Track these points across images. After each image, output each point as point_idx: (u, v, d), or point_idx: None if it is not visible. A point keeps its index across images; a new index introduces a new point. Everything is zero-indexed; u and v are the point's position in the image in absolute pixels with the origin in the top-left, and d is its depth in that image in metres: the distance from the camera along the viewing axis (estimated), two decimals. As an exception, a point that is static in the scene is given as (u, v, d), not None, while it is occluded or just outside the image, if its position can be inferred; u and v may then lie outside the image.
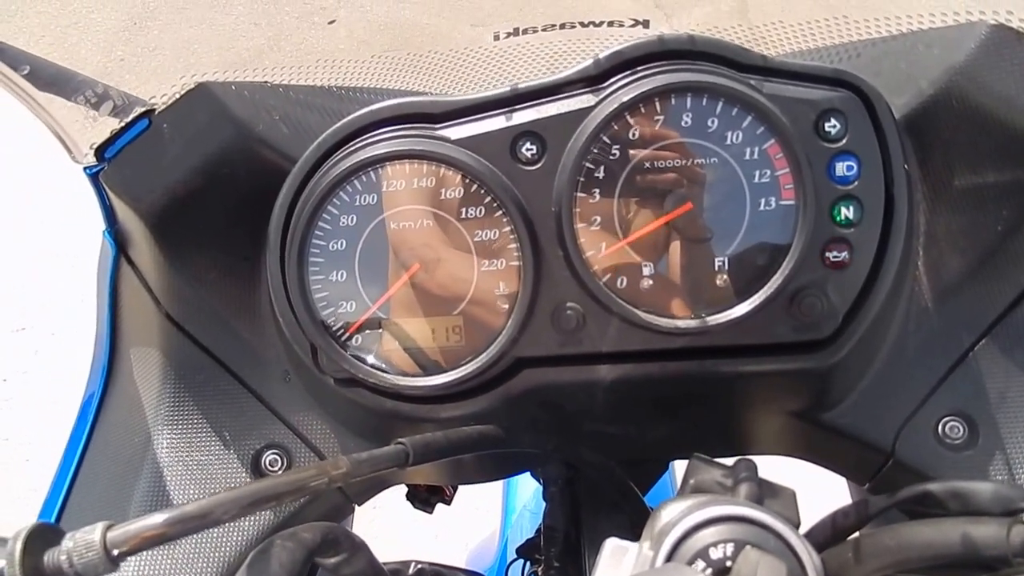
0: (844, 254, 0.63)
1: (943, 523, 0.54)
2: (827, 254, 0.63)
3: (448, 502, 1.07)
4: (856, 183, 0.63)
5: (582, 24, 0.82)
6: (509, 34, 0.80)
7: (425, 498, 1.05)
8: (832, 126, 0.63)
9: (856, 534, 0.57)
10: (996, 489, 0.52)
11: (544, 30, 0.80)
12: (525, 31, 0.81)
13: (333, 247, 0.67)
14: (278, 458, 0.74)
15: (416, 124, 0.68)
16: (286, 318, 0.67)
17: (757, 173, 0.63)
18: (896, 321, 0.70)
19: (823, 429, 0.71)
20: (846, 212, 0.63)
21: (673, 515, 0.50)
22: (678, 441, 0.77)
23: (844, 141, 0.63)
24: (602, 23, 0.80)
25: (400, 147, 0.65)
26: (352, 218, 0.67)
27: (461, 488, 1.05)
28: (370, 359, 0.67)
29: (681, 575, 0.43)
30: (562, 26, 0.82)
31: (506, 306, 0.65)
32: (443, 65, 0.84)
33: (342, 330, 0.68)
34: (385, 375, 0.68)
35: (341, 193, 0.67)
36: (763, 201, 0.63)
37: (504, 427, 0.68)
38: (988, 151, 0.65)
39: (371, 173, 0.66)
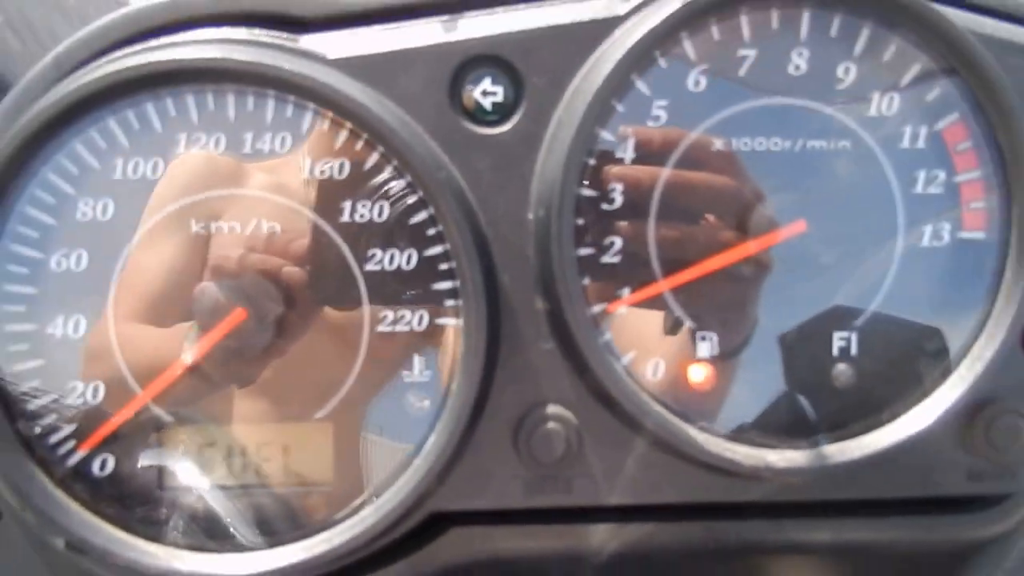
0: None
1: None
2: None
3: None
4: None
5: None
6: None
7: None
8: None
9: None
10: None
11: None
12: None
13: (60, 265, 0.35)
14: None
15: (264, 28, 0.36)
16: None
17: (922, 176, 0.36)
18: None
19: None
20: None
21: None
22: None
23: None
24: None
25: (222, 56, 0.30)
26: (104, 205, 0.35)
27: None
28: (125, 511, 0.36)
29: None
30: None
31: (424, 405, 0.35)
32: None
33: (69, 443, 0.35)
34: (152, 552, 0.33)
35: (79, 147, 0.35)
36: (929, 230, 0.34)
37: None
38: None
39: (151, 109, 0.31)
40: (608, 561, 0.39)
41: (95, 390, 0.35)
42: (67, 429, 0.35)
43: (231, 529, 0.35)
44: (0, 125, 0.37)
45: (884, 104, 0.35)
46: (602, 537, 0.38)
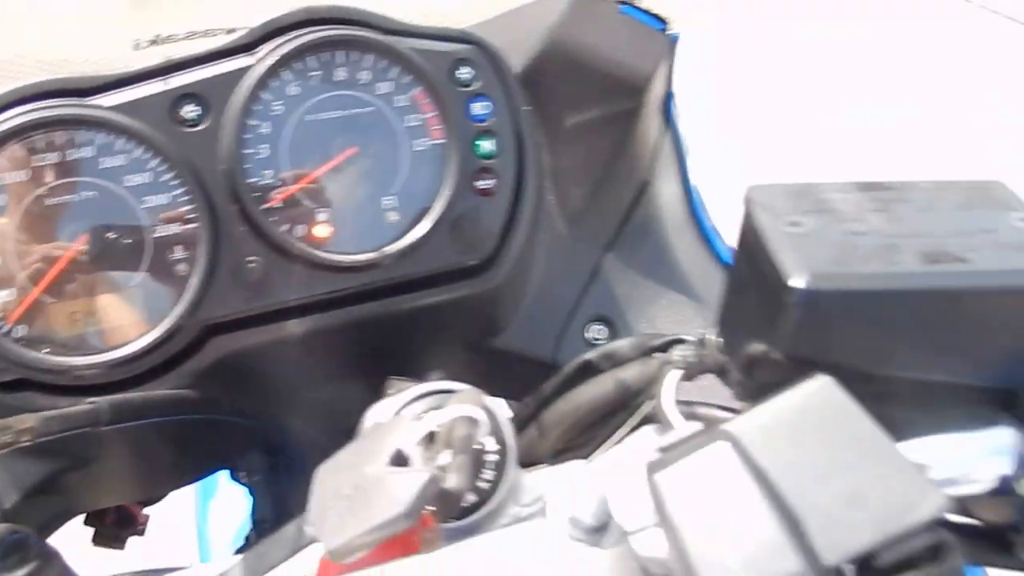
0: (491, 182, 0.74)
1: (601, 378, 0.64)
2: (476, 183, 0.73)
3: (141, 532, 0.99)
4: (492, 120, 0.74)
5: (227, 31, 0.84)
6: (152, 42, 0.81)
7: (113, 533, 0.97)
8: (464, 73, 0.73)
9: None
10: (633, 339, 0.64)
11: (187, 38, 0.81)
12: (167, 39, 0.82)
13: None
14: None
15: (62, 98, 0.66)
16: None
17: (408, 118, 0.70)
18: (541, 247, 0.82)
19: (494, 355, 0.79)
20: (487, 146, 0.74)
21: (382, 409, 0.55)
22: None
23: (476, 85, 0.73)
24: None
25: (49, 114, 0.63)
26: (3, 197, 0.64)
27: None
28: (39, 349, 0.63)
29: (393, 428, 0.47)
30: (206, 32, 0.83)
31: (186, 269, 0.65)
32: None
33: (1, 321, 0.63)
34: (61, 357, 0.64)
35: None
36: (417, 142, 0.71)
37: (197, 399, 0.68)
38: (586, 93, 0.80)
39: (16, 147, 0.63)
40: (300, 340, 0.69)
41: (10, 292, 0.63)
42: None
43: (90, 347, 0.64)
44: None
45: (385, 86, 0.70)
46: (293, 327, 0.68)
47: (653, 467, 0.40)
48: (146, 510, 1.01)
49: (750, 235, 0.43)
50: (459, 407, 0.47)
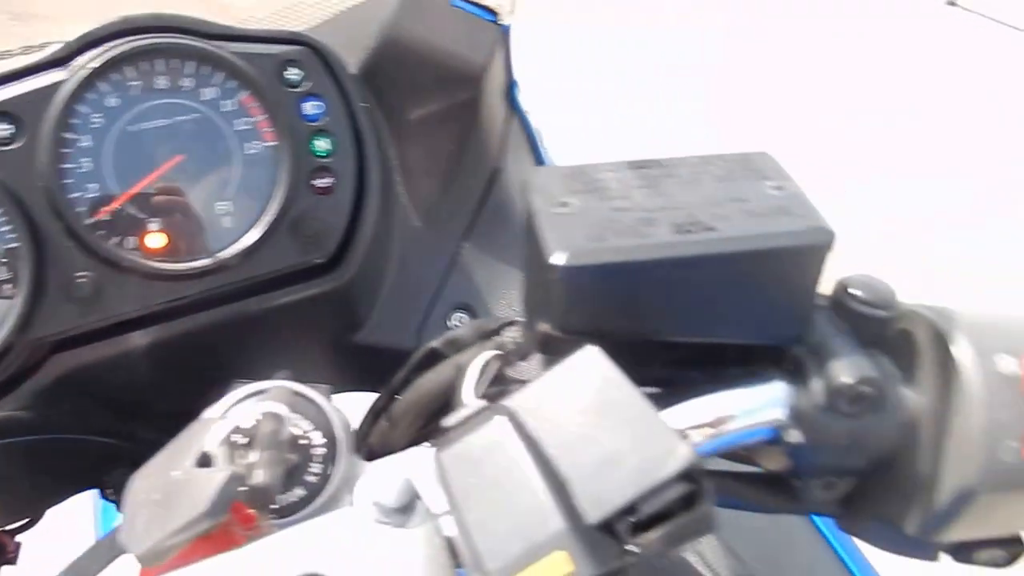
0: (329, 180, 0.74)
1: (443, 365, 0.66)
2: (313, 182, 0.73)
3: (12, 560, 0.97)
4: (325, 119, 0.74)
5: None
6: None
7: (-18, 565, 0.94)
8: (293, 74, 0.73)
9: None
10: (472, 324, 0.66)
11: (23, 53, 0.80)
12: (2, 55, 0.81)
13: None
14: None
15: None
16: None
17: (237, 122, 0.71)
18: (395, 242, 0.83)
19: (358, 350, 0.79)
20: (322, 144, 0.74)
21: (212, 412, 0.55)
22: None
23: (307, 86, 0.74)
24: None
25: None
26: None
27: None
28: None
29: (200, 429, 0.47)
30: (42, 46, 0.81)
31: (11, 289, 0.64)
32: None
33: None
34: None
35: None
36: (249, 145, 0.71)
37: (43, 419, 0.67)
38: (425, 86, 0.82)
39: None
40: (147, 352, 0.69)
41: None
42: None
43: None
44: None
45: (210, 92, 0.70)
46: (137, 339, 0.68)
47: (439, 446, 0.41)
48: (19, 537, 0.98)
49: (527, 218, 0.45)
50: (263, 404, 0.47)
